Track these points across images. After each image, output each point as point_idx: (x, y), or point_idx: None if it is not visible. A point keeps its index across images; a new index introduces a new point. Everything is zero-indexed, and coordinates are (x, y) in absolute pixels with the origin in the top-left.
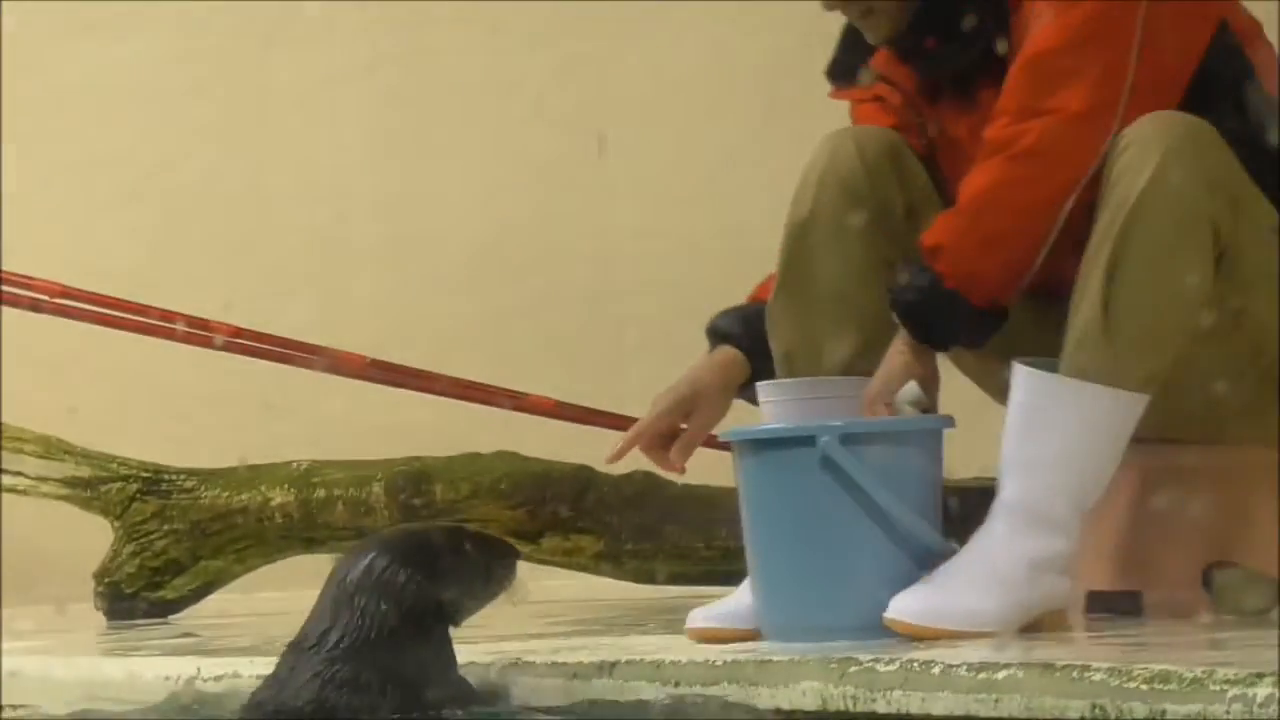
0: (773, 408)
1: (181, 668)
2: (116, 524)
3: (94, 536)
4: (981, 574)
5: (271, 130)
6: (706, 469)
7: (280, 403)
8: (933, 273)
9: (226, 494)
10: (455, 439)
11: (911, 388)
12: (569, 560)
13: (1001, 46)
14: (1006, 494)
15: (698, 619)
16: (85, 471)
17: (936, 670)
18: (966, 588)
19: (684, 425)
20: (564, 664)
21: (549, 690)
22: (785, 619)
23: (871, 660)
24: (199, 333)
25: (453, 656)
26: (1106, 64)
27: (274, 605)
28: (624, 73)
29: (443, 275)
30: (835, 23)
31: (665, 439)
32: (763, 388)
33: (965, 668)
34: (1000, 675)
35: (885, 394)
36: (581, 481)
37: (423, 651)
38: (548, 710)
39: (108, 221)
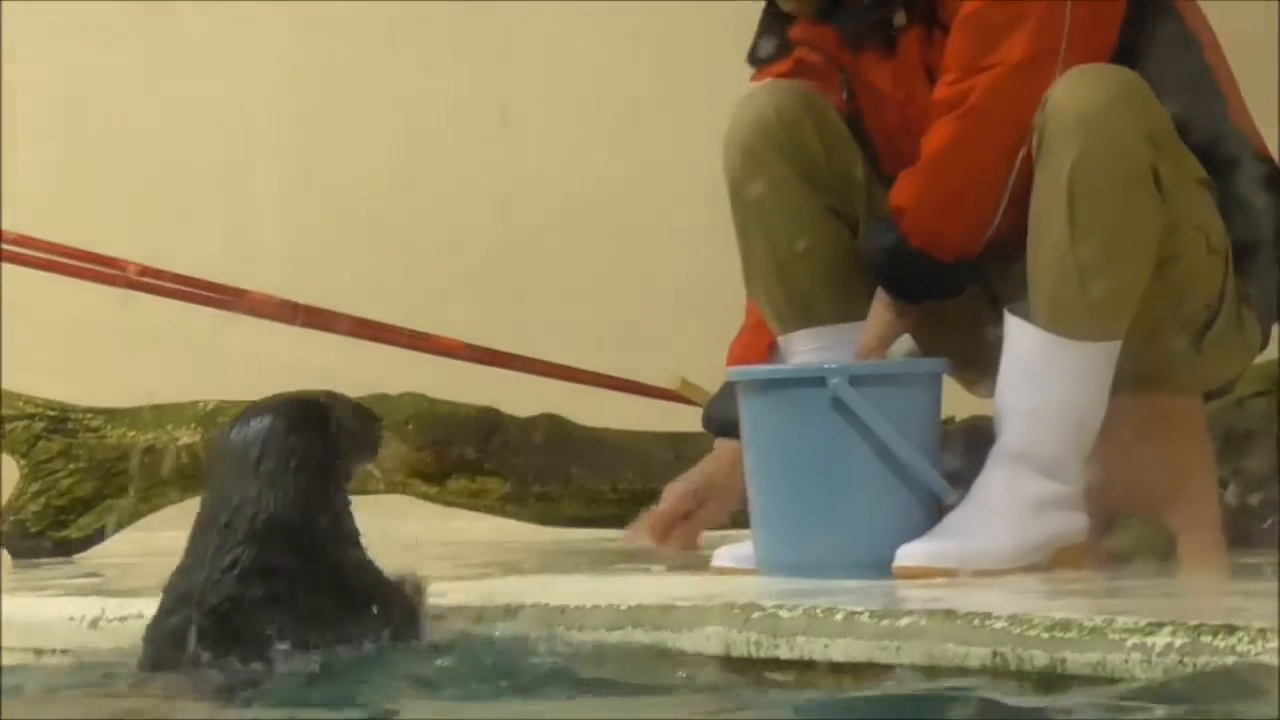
0: (809, 357)
1: (86, 608)
2: (22, 462)
3: None
4: (989, 515)
5: (181, 67)
6: (615, 413)
7: (187, 342)
8: (898, 233)
9: (133, 433)
10: (362, 380)
11: (905, 340)
12: (475, 502)
13: None
14: (1006, 441)
15: (724, 558)
16: None
17: (839, 616)
18: (975, 528)
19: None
20: (469, 607)
21: (452, 633)
22: (790, 557)
23: (775, 606)
24: (106, 270)
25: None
26: (1042, 13)
27: (179, 544)
28: (534, 14)
29: (350, 216)
30: None
31: (674, 525)
32: (795, 339)
33: (868, 614)
34: (903, 622)
35: (879, 352)
36: (488, 423)
37: (334, 520)
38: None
39: (15, 156)
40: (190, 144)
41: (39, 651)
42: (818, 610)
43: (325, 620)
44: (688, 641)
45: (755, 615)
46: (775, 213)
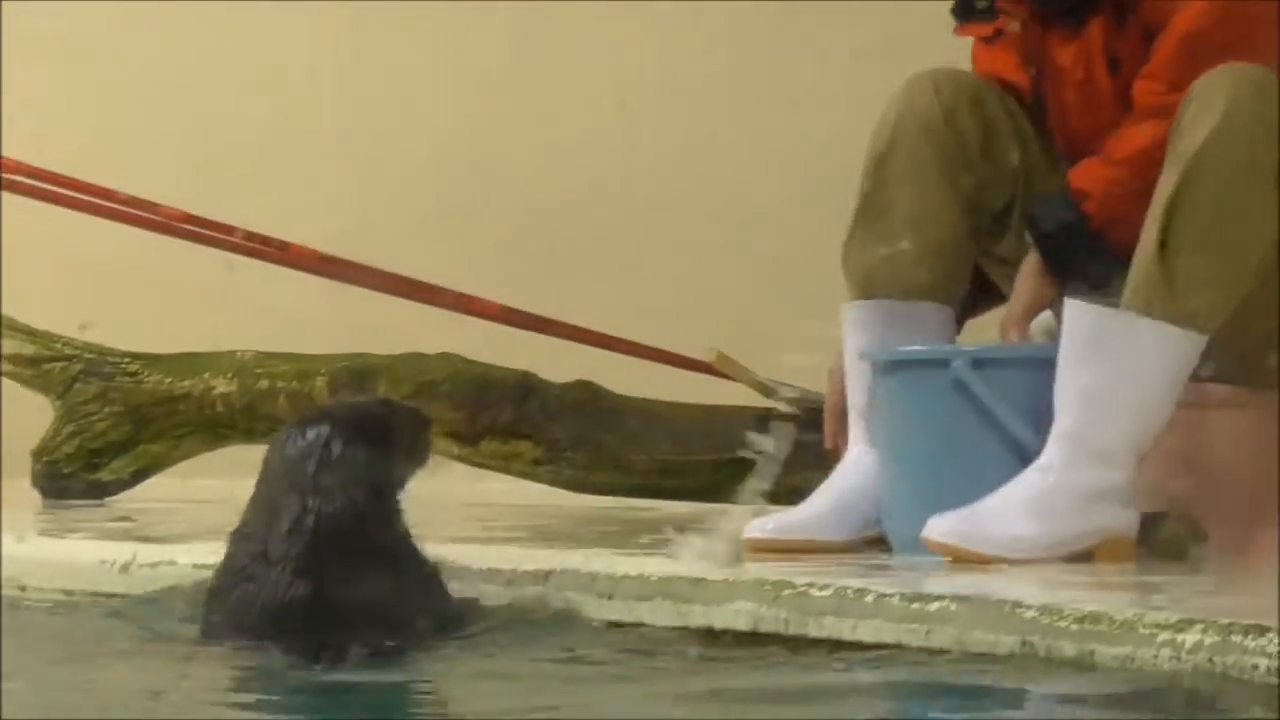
0: (861, 329)
1: (117, 552)
2: (58, 403)
3: (36, 414)
4: (1027, 500)
5: (244, 26)
6: (649, 383)
7: (229, 292)
8: (1080, 212)
9: (170, 380)
10: (401, 338)
11: (1046, 316)
12: (507, 465)
13: None
14: (1062, 424)
15: (754, 529)
16: (29, 349)
17: (870, 598)
18: (1010, 513)
19: None
20: (500, 570)
21: (484, 596)
22: (910, 532)
23: (806, 584)
24: (150, 216)
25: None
26: (1258, 45)
27: (211, 493)
28: None
29: (398, 176)
30: None
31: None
32: (852, 308)
33: (899, 597)
34: (933, 606)
35: (1024, 320)
36: (523, 387)
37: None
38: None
39: (69, 101)
40: (244, 98)
41: (69, 593)
42: (849, 590)
43: (380, 617)
44: (717, 616)
45: (785, 593)
46: (906, 191)
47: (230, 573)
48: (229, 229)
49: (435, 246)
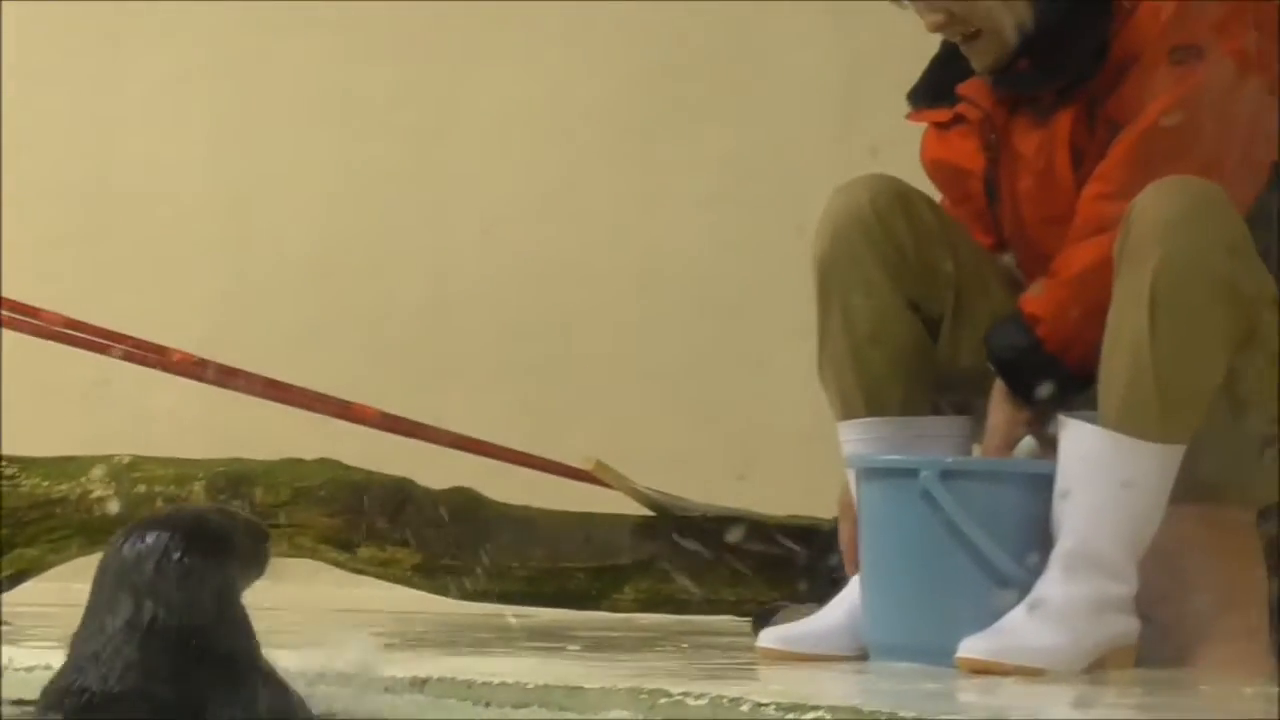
0: (860, 446)
1: None
2: None
3: None
4: (1046, 615)
5: (115, 123)
6: (529, 491)
7: (106, 395)
8: (1034, 336)
9: (46, 483)
10: (279, 443)
11: (1028, 441)
12: (384, 571)
13: (1090, 66)
14: (1065, 542)
15: (768, 639)
16: None
17: (745, 707)
18: (1033, 628)
19: None
20: (376, 678)
21: (359, 703)
22: (883, 637)
23: (681, 694)
24: (28, 320)
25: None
26: (1211, 149)
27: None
28: (469, 90)
29: (278, 279)
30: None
31: None
32: (850, 426)
33: (774, 707)
34: (808, 717)
35: (1004, 452)
36: (401, 494)
37: (234, 643)
38: None
39: None
40: (122, 198)
41: None
42: (724, 699)
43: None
44: None
45: (661, 701)
46: (858, 300)
47: (64, 673)
48: (109, 333)
49: (313, 351)
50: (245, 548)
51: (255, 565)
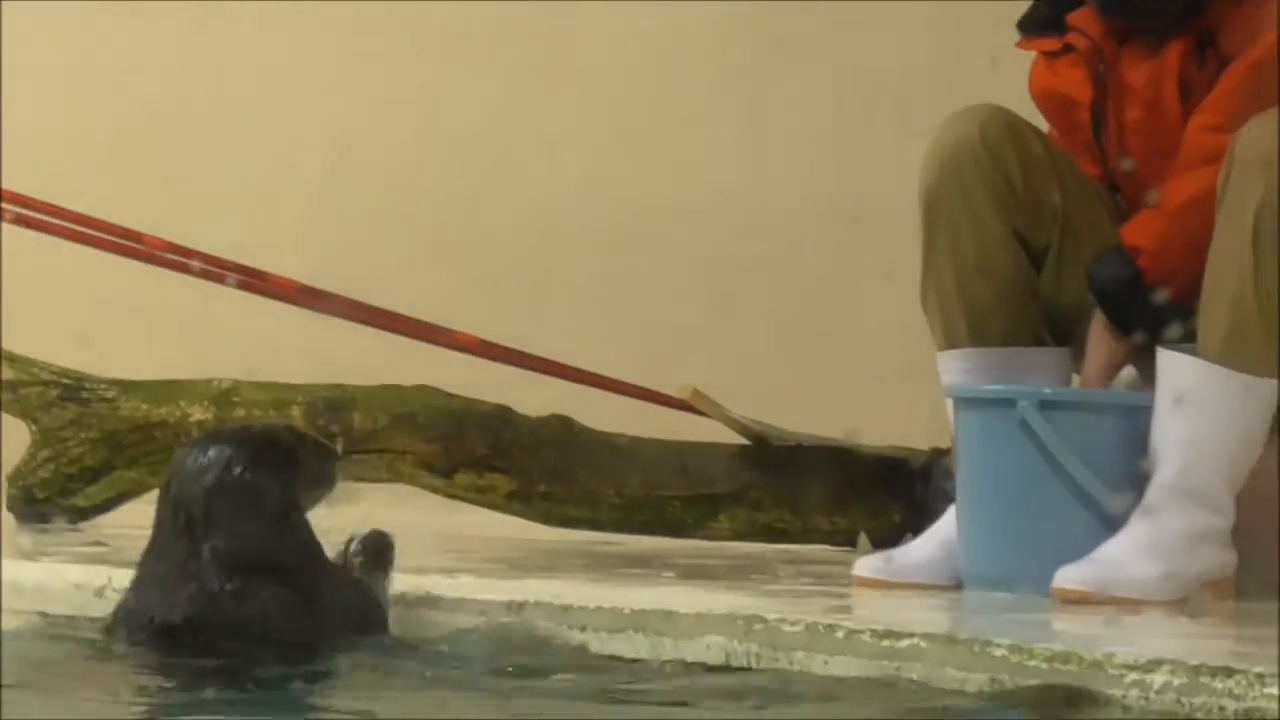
0: (961, 377)
1: (91, 576)
2: (33, 428)
3: (12, 439)
4: (1144, 546)
5: (224, 52)
6: (622, 419)
7: (208, 320)
8: (1135, 268)
9: (146, 406)
10: (378, 370)
11: (1129, 371)
12: (481, 498)
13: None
14: (1164, 473)
15: (864, 568)
16: (6, 374)
17: (840, 634)
18: (1131, 558)
19: None
20: (473, 600)
21: (457, 625)
22: (978, 567)
23: (777, 619)
24: (130, 244)
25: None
26: None
27: None
28: (574, 25)
29: (380, 207)
30: None
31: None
32: (953, 356)
33: (869, 633)
34: (903, 644)
35: (1103, 381)
36: (499, 421)
37: (300, 556)
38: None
39: (53, 128)
40: (231, 126)
41: (45, 616)
42: (819, 625)
43: (289, 630)
44: (688, 650)
45: (757, 627)
46: (965, 230)
47: (130, 595)
48: (212, 259)
49: (412, 279)
50: (310, 465)
51: (321, 484)
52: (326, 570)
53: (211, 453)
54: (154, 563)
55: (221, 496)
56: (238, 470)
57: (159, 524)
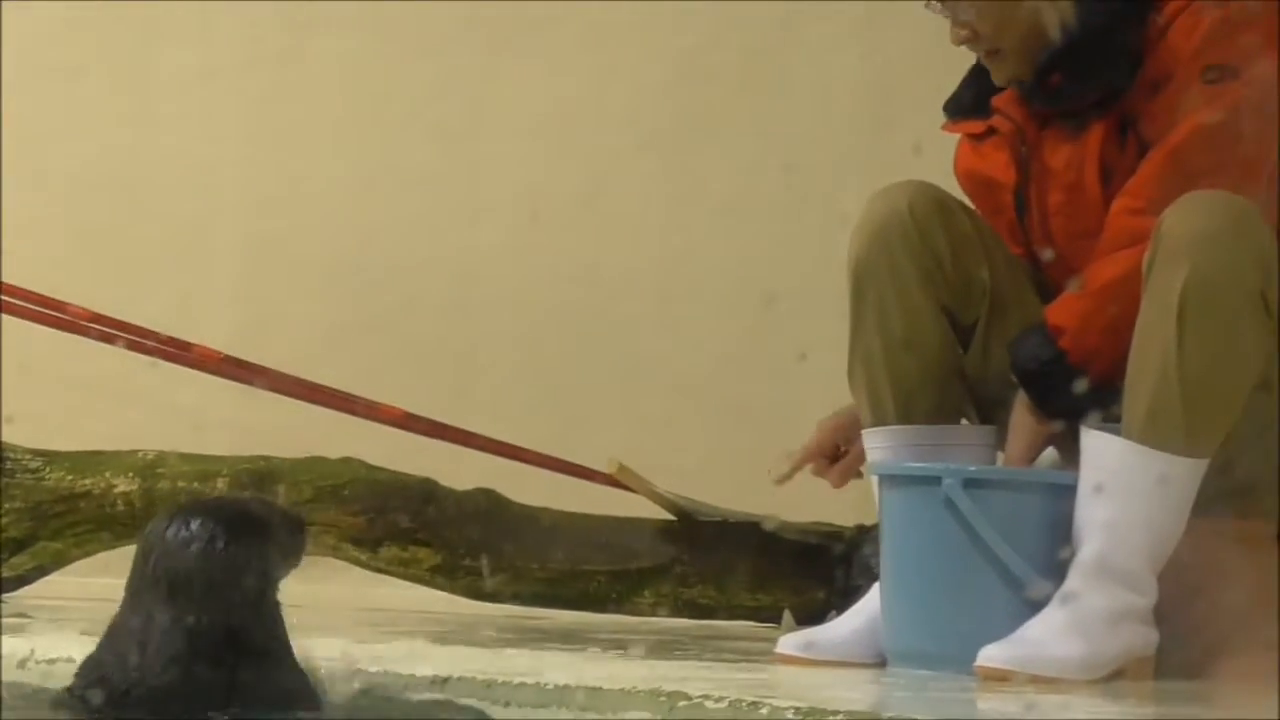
0: (887, 454)
1: (14, 647)
2: None
3: None
4: (1065, 626)
5: (144, 120)
6: (548, 492)
7: (132, 392)
8: (1057, 348)
9: (71, 477)
10: (303, 442)
11: (1050, 453)
12: (405, 571)
13: (1122, 82)
14: (1086, 552)
15: (787, 646)
16: None
17: (764, 711)
18: (1052, 638)
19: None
20: (396, 674)
21: (384, 696)
22: (902, 644)
23: (701, 696)
24: (54, 314)
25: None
26: (1241, 167)
27: (110, 591)
28: (497, 91)
29: (304, 277)
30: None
31: (830, 459)
32: (879, 433)
33: (793, 710)
34: None
35: (1026, 460)
36: (424, 493)
37: (270, 633)
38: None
39: None
40: (151, 194)
41: None
42: (743, 702)
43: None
44: None
45: (681, 704)
46: (893, 305)
47: (103, 655)
48: (131, 327)
49: (338, 351)
50: (283, 538)
51: (292, 555)
52: (291, 653)
53: (194, 525)
54: (129, 627)
55: (206, 568)
56: (220, 543)
57: (133, 591)
